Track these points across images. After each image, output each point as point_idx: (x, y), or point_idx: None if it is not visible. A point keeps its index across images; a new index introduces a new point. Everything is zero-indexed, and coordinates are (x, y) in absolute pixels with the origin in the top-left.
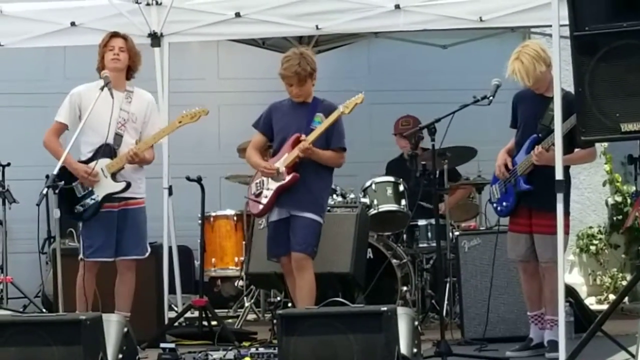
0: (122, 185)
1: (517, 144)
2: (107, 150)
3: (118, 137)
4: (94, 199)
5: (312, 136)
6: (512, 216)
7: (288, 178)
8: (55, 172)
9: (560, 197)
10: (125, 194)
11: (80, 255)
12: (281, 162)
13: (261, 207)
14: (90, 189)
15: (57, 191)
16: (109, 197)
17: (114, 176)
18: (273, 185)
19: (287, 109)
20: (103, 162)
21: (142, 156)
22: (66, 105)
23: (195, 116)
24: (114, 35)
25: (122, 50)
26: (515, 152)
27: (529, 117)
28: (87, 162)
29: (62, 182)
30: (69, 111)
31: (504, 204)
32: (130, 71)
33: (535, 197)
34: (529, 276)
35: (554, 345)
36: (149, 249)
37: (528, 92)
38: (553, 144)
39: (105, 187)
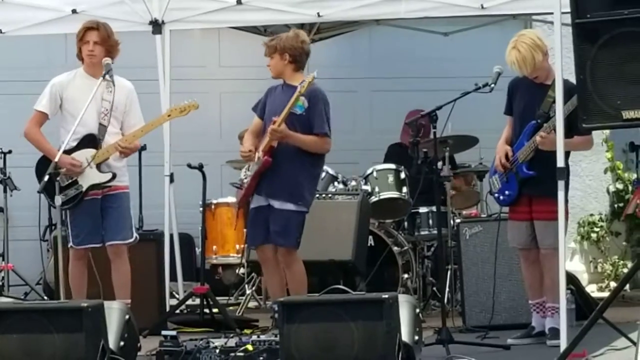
0: (108, 176)
1: (516, 133)
2: (91, 141)
3: (102, 127)
4: (78, 189)
5: (280, 119)
6: (512, 204)
7: (260, 164)
8: (56, 159)
9: (561, 184)
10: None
11: (70, 244)
12: (260, 146)
13: (242, 193)
14: (74, 178)
15: (58, 178)
16: (93, 187)
17: (99, 167)
18: (252, 170)
19: (278, 93)
20: (88, 153)
21: (130, 147)
22: (47, 94)
23: (185, 110)
24: (89, 28)
25: (96, 44)
26: (515, 141)
27: (527, 106)
28: (70, 151)
29: (64, 169)
30: (50, 101)
31: (507, 192)
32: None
33: (536, 184)
34: (530, 264)
35: (555, 332)
36: (136, 235)
37: (524, 80)
38: (553, 129)
39: (91, 177)
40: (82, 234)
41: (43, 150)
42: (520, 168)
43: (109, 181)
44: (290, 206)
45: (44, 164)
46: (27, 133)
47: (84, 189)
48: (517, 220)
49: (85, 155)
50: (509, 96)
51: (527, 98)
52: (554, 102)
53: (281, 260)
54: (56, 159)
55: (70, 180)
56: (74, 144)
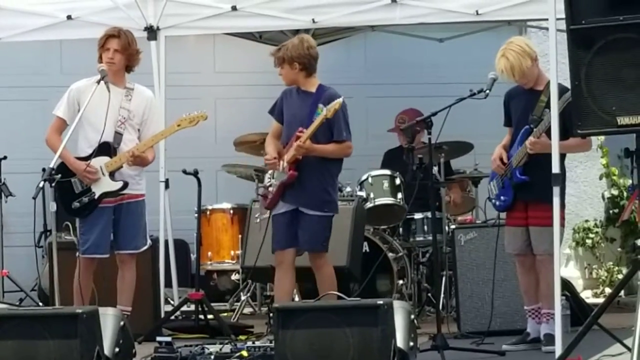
0: (119, 184)
1: (512, 139)
2: (106, 148)
3: (118, 135)
4: (91, 197)
5: (305, 136)
6: (508, 210)
7: (286, 176)
8: (52, 165)
9: (556, 190)
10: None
11: (78, 252)
12: (285, 157)
13: (267, 201)
14: (87, 186)
15: (53, 184)
16: (105, 195)
17: (112, 175)
18: (278, 180)
19: (295, 97)
20: (102, 160)
21: (142, 156)
22: (65, 100)
23: (194, 121)
24: (110, 35)
25: (116, 52)
26: (510, 147)
27: (522, 113)
28: (86, 158)
29: (59, 175)
30: (67, 107)
31: (502, 198)
32: (127, 68)
33: (531, 189)
34: (526, 270)
35: (550, 338)
36: (149, 242)
37: (518, 89)
38: (543, 132)
39: (103, 185)
40: (89, 242)
41: (61, 158)
42: (514, 173)
43: (120, 190)
44: (316, 212)
45: (62, 170)
46: (47, 140)
47: (96, 197)
48: (513, 225)
49: (99, 162)
50: (506, 108)
51: (522, 105)
52: (546, 106)
53: (311, 264)
54: (52, 165)
55: (84, 187)
56: (89, 151)
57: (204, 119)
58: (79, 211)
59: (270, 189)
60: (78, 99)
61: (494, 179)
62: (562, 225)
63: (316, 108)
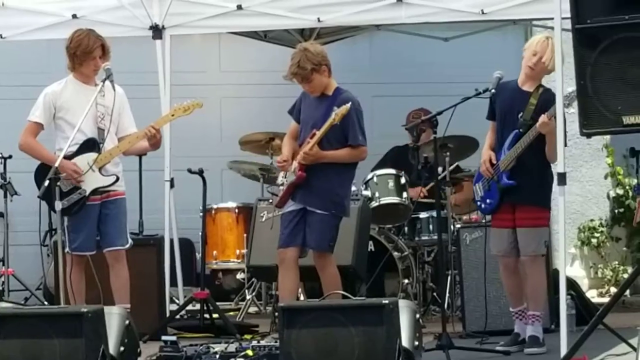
0: (112, 179)
1: (498, 137)
2: (92, 145)
3: (101, 131)
4: (81, 194)
5: (311, 143)
6: (494, 212)
7: (295, 177)
8: (56, 164)
9: (561, 189)
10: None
11: (67, 249)
12: (297, 158)
13: (277, 199)
14: (75, 184)
15: (59, 184)
16: (95, 191)
17: (100, 170)
18: (288, 180)
19: (313, 99)
20: (89, 157)
21: (159, 134)
22: (40, 105)
23: (189, 109)
24: (99, 46)
25: (100, 58)
26: (497, 146)
27: (507, 111)
28: (70, 156)
29: (65, 174)
30: (44, 111)
31: (488, 201)
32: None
33: (518, 192)
34: (510, 272)
35: (534, 340)
36: (130, 241)
37: (506, 85)
38: (553, 116)
39: (93, 181)
40: (78, 240)
41: (41, 158)
42: (501, 177)
43: (112, 184)
44: (323, 212)
45: (42, 170)
46: (22, 144)
47: (87, 194)
48: (499, 227)
49: (86, 159)
50: (492, 102)
51: (508, 102)
52: (534, 110)
53: (315, 263)
54: (56, 164)
55: (72, 186)
56: (74, 149)
57: (199, 106)
58: (68, 209)
59: (281, 187)
60: (54, 102)
61: (480, 181)
62: (547, 225)
63: (331, 111)
